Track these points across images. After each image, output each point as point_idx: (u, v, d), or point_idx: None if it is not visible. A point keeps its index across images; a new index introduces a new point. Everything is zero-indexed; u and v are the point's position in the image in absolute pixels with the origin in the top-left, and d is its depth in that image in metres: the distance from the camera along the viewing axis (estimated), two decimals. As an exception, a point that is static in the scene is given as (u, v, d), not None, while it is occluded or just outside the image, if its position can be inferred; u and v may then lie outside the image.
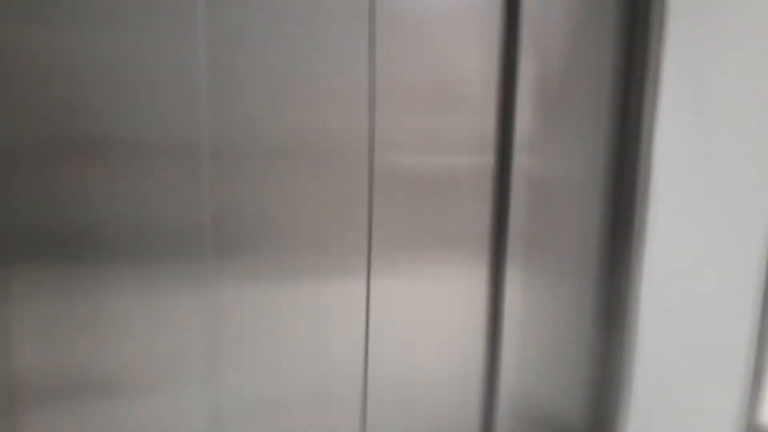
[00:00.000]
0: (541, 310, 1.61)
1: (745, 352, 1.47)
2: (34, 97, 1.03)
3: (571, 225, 1.60)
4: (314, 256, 1.31)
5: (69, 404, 1.13)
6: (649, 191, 1.63)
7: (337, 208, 1.31)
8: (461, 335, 1.54)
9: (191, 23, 1.13)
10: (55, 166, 1.05)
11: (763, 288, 1.43)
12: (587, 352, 1.72)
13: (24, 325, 1.09)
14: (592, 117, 1.59)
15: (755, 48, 1.44)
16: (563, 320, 1.65)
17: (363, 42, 1.30)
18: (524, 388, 1.64)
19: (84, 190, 1.08)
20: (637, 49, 1.56)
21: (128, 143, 1.10)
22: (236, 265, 1.23)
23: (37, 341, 1.10)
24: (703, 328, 1.54)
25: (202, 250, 1.17)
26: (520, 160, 1.49)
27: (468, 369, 1.57)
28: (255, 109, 1.21)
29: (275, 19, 1.21)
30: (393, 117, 1.35)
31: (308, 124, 1.25)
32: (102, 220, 1.10)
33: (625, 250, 1.64)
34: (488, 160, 1.48)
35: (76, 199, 1.08)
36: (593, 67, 1.55)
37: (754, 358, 1.45)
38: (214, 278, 1.20)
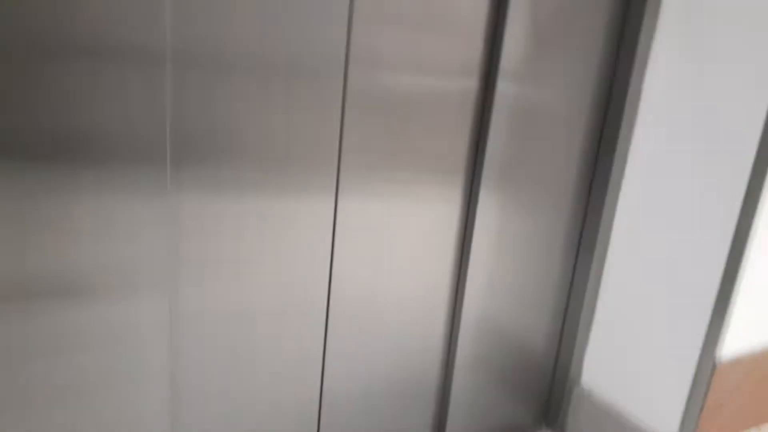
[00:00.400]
0: (512, 238, 1.64)
1: (713, 290, 1.50)
2: None
3: (551, 155, 1.60)
4: (281, 172, 1.31)
5: (18, 309, 1.15)
6: (633, 128, 1.61)
7: (307, 123, 1.30)
8: (429, 258, 1.57)
9: None
10: (9, 66, 1.04)
11: (735, 229, 1.44)
12: (554, 281, 1.76)
13: None
14: (583, 49, 1.55)
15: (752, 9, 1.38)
16: (534, 249, 1.69)
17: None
18: (489, 314, 1.70)
19: (40, 92, 1.06)
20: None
21: (86, 43, 1.07)
22: (196, 175, 1.23)
23: None
24: (672, 265, 1.57)
25: (161, 157, 1.17)
26: (504, 86, 1.46)
27: (434, 292, 1.62)
28: (223, 13, 1.17)
29: None
30: (372, 33, 1.31)
31: (281, 34, 1.22)
32: (59, 122, 1.09)
33: (603, 184, 1.64)
34: (471, 84, 1.46)
35: (32, 101, 1.06)
36: (588, 4, 1.50)
37: (719, 295, 1.49)
38: (174, 187, 1.21)
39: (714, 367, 1.51)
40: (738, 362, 1.58)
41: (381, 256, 1.51)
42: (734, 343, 1.54)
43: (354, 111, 1.34)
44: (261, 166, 1.29)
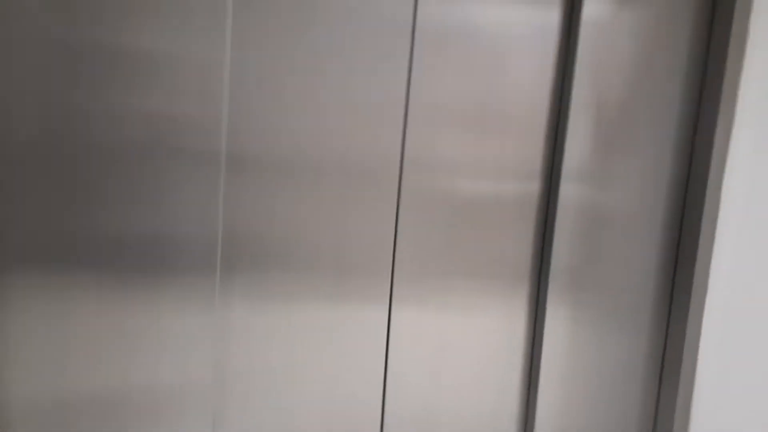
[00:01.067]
0: (585, 355, 1.46)
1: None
2: (41, 92, 0.99)
3: (624, 262, 1.45)
4: (332, 279, 1.22)
5: (61, 426, 1.07)
6: (714, 232, 1.46)
7: (360, 228, 1.22)
8: (493, 377, 1.40)
9: (218, 21, 1.07)
10: (60, 168, 1.00)
11: None
12: (636, 406, 1.54)
13: (20, 339, 1.04)
14: (655, 147, 1.44)
15: None
16: (610, 368, 1.49)
17: (403, 56, 1.22)
18: (563, 441, 1.48)
19: (92, 195, 1.02)
20: (710, 81, 1.42)
21: (142, 146, 1.04)
22: (247, 283, 1.16)
23: (33, 356, 1.04)
24: (772, 390, 1.36)
25: (212, 265, 1.10)
26: (567, 188, 1.36)
27: (499, 416, 1.43)
28: (279, 116, 1.14)
29: (307, 20, 1.14)
30: (428, 136, 1.26)
31: (336, 137, 1.18)
32: (107, 228, 1.04)
33: (685, 295, 1.47)
34: (533, 187, 1.36)
35: (83, 205, 1.02)
36: (658, 97, 1.42)
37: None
38: (223, 296, 1.12)
39: None
40: None
41: (438, 375, 1.36)
42: None
43: (409, 215, 1.26)
44: (311, 273, 1.20)
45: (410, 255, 1.28)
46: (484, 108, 1.29)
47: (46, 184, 1.01)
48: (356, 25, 1.19)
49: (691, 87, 1.43)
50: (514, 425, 1.46)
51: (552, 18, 1.33)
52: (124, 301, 1.08)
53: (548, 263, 1.38)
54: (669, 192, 1.47)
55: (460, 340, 1.36)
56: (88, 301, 1.06)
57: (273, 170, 1.14)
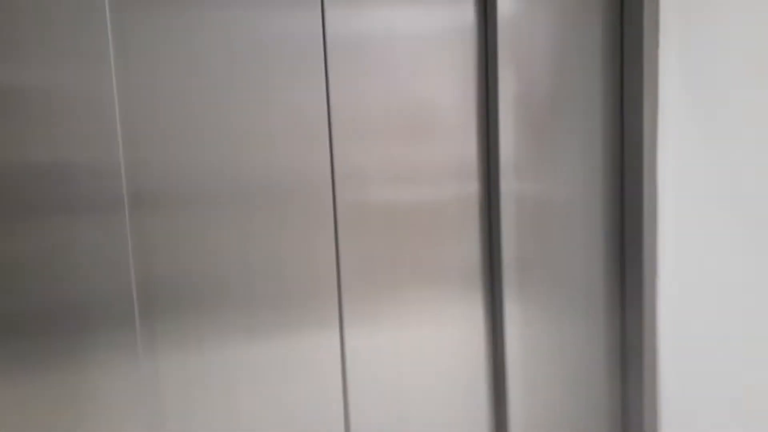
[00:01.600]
0: (547, 349, 1.43)
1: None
2: None
3: (572, 252, 1.44)
4: (271, 311, 1.15)
5: None
6: (656, 210, 1.47)
7: (296, 253, 1.16)
8: (459, 384, 1.36)
9: (100, 49, 1.00)
10: None
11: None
12: (604, 393, 1.52)
13: None
14: (586, 134, 1.44)
15: (757, 46, 1.31)
16: (573, 359, 1.47)
17: (317, 68, 1.17)
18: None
19: None
20: (629, 64, 1.43)
21: (35, 200, 0.96)
22: (170, 330, 1.08)
23: None
24: (736, 367, 1.35)
25: (129, 317, 1.02)
26: (507, 184, 1.34)
27: (470, 423, 1.39)
28: (187, 146, 1.07)
29: (206, 41, 1.09)
30: (357, 149, 1.21)
31: (256, 160, 1.12)
32: (12, 295, 0.96)
33: (636, 278, 1.47)
34: (472, 187, 1.34)
35: None
36: (583, 81, 1.42)
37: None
38: (146, 347, 1.05)
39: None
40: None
41: (401, 390, 1.30)
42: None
43: (348, 231, 1.21)
44: (247, 307, 1.13)
45: (356, 272, 1.22)
46: (411, 112, 1.26)
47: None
48: (263, 41, 1.13)
49: (613, 73, 1.44)
50: (486, 430, 1.42)
51: (467, 17, 1.31)
52: (48, 369, 1.00)
53: (499, 261, 1.35)
54: (605, 179, 1.47)
55: (420, 353, 1.31)
56: (11, 374, 0.97)
57: (186, 204, 1.08)
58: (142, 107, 1.05)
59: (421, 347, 1.30)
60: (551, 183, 1.39)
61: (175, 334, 1.09)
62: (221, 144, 1.10)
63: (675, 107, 1.43)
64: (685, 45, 1.38)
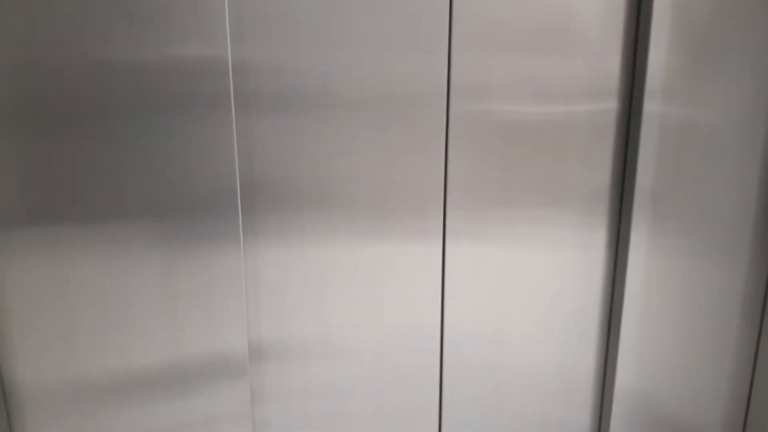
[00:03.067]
0: (675, 289, 1.31)
1: None
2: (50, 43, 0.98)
3: (721, 188, 1.29)
4: (373, 217, 1.15)
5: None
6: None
7: (403, 164, 1.14)
8: (566, 319, 1.29)
9: None
10: (76, 124, 1.01)
11: None
12: (733, 350, 1.38)
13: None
14: (753, 58, 1.27)
15: None
16: (704, 304, 1.34)
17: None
18: (651, 391, 1.35)
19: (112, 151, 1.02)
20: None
21: (141, 97, 1.01)
22: (271, 227, 1.11)
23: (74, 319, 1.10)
24: None
25: (232, 213, 1.06)
26: (652, 107, 1.22)
27: (576, 360, 1.32)
28: (299, 47, 1.06)
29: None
30: (477, 59, 1.14)
31: (367, 66, 1.09)
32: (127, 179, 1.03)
33: (793, 225, 1.29)
34: (609, 106, 1.23)
35: (102, 162, 1.03)
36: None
37: None
38: (246, 244, 1.10)
39: None
40: None
41: (502, 315, 1.27)
42: None
43: (460, 144, 1.16)
44: (348, 211, 1.14)
45: (465, 187, 1.18)
46: (545, 22, 1.16)
47: (66, 139, 1.01)
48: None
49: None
50: (590, 377, 1.34)
51: None
52: (153, 261, 1.07)
53: (632, 187, 1.24)
54: (772, 110, 1.29)
55: (527, 278, 1.26)
56: (129, 257, 1.06)
57: (294, 106, 1.08)
58: (253, 3, 1.04)
59: (530, 269, 1.25)
60: (703, 109, 1.24)
61: (275, 232, 1.12)
62: (333, 46, 1.08)
63: None
64: None
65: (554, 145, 1.21)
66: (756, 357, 1.40)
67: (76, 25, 0.97)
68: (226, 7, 0.99)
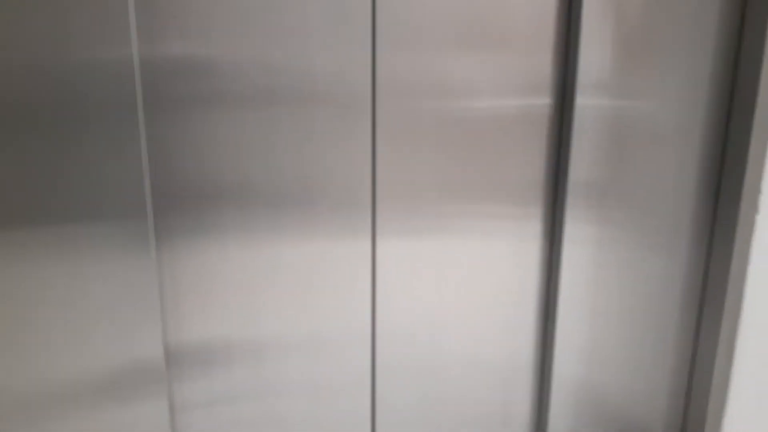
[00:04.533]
0: (612, 279, 1.33)
1: None
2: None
3: (657, 181, 1.30)
4: (298, 213, 1.16)
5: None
6: (766, 149, 1.27)
7: (328, 159, 1.15)
8: (503, 312, 1.32)
9: None
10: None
11: None
12: (672, 340, 1.39)
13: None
14: (689, 45, 1.26)
15: None
16: (640, 293, 1.35)
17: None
18: (590, 379, 1.36)
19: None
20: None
21: (43, 99, 0.97)
22: (187, 226, 1.11)
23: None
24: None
25: (142, 213, 1.05)
26: (585, 101, 1.23)
27: (515, 352, 1.34)
28: (217, 40, 1.04)
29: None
30: (406, 53, 1.15)
31: (288, 58, 1.08)
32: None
33: (731, 215, 1.29)
34: (541, 101, 1.25)
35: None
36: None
37: None
38: (158, 244, 1.10)
39: None
40: None
41: (436, 312, 1.29)
42: None
43: (388, 141, 1.18)
44: (272, 207, 1.14)
45: (394, 181, 1.20)
46: (475, 16, 1.18)
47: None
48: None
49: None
50: (529, 369, 1.36)
51: None
52: (55, 263, 1.04)
53: (565, 181, 1.26)
54: (710, 99, 1.29)
55: (463, 271, 1.28)
56: (35, 262, 1.03)
57: (215, 103, 1.07)
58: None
59: (466, 262, 1.27)
60: (638, 101, 1.25)
61: (194, 231, 1.11)
62: (251, 37, 1.05)
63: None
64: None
65: (488, 139, 1.23)
66: (695, 346, 1.40)
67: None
68: (131, 3, 0.96)
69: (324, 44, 1.09)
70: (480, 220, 1.26)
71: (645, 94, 1.25)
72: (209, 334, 1.17)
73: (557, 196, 1.29)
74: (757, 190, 1.23)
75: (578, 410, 1.38)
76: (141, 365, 1.11)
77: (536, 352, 1.36)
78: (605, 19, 1.21)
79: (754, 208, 1.24)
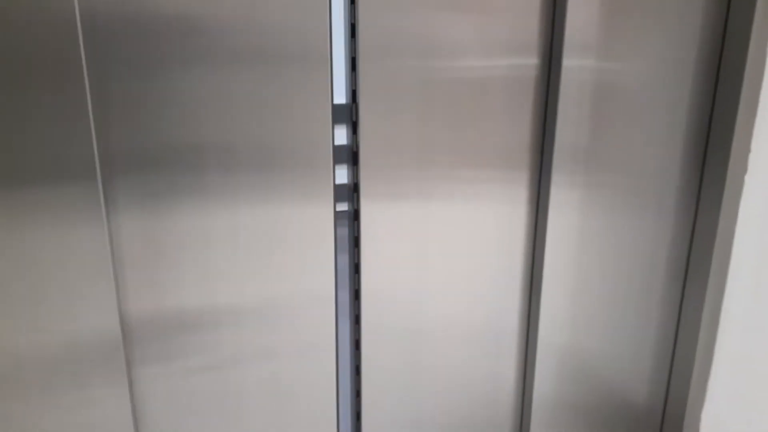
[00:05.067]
0: (597, 247, 1.31)
1: None
2: None
3: (643, 144, 1.28)
4: (262, 177, 1.11)
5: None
6: (757, 104, 1.25)
7: (291, 121, 1.09)
8: (489, 276, 1.30)
9: None
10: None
11: None
12: (655, 307, 1.38)
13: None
14: (678, 10, 1.24)
15: None
16: (625, 260, 1.34)
17: None
18: (574, 345, 1.36)
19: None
20: None
21: None
22: (137, 191, 1.06)
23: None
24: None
25: (92, 178, 1.00)
26: (572, 62, 1.20)
27: (499, 318, 1.33)
28: None
29: None
30: (388, 12, 1.11)
31: (246, 16, 1.02)
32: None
33: (717, 179, 1.28)
34: (527, 62, 1.22)
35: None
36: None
37: None
38: (108, 209, 1.04)
39: None
40: None
41: (420, 277, 1.27)
42: None
43: (366, 101, 1.14)
44: (227, 170, 1.09)
45: (376, 146, 1.17)
46: None
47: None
48: None
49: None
50: (515, 333, 1.35)
51: None
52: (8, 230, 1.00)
53: (551, 145, 1.24)
54: (698, 58, 1.26)
55: (446, 239, 1.26)
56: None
57: (165, 61, 1.00)
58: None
59: (449, 227, 1.25)
60: (625, 62, 1.23)
61: (145, 197, 1.06)
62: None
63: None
64: None
65: (472, 101, 1.21)
66: (680, 312, 1.39)
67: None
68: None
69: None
70: (465, 183, 1.24)
71: (632, 55, 1.23)
72: (166, 301, 1.13)
73: (543, 160, 1.27)
74: (746, 149, 1.21)
75: (565, 373, 1.37)
76: (96, 335, 1.08)
77: (522, 318, 1.35)
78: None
79: (743, 167, 1.23)
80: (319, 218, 1.16)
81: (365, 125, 1.16)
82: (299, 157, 1.12)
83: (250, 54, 1.04)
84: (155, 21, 0.99)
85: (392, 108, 1.17)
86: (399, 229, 1.23)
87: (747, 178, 1.22)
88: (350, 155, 1.21)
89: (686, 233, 1.35)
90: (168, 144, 1.05)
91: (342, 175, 1.21)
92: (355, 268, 1.24)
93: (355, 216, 1.22)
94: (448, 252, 1.27)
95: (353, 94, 1.16)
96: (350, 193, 1.23)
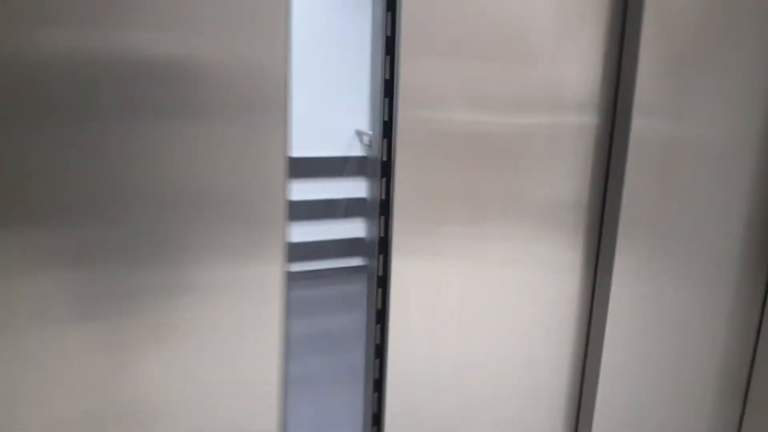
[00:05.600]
0: (659, 315, 1.23)
1: None
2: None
3: (713, 208, 1.21)
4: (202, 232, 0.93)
5: None
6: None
7: (237, 174, 0.92)
8: (541, 346, 1.21)
9: None
10: None
11: None
12: (723, 377, 1.31)
13: None
14: (748, 68, 1.18)
15: None
16: (692, 328, 1.26)
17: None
18: (629, 422, 1.27)
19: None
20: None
21: None
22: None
23: None
24: None
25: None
26: (639, 122, 1.13)
27: (550, 390, 1.24)
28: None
29: None
30: (428, 66, 1.03)
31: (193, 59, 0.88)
32: None
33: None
34: (586, 120, 1.14)
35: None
36: (747, 10, 1.16)
37: None
38: None
39: None
40: None
41: (465, 349, 1.16)
42: None
43: (407, 156, 1.05)
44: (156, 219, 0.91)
45: (415, 199, 1.07)
46: (508, 30, 1.06)
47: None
48: None
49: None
50: (565, 409, 1.25)
51: None
52: None
53: (616, 208, 1.15)
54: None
55: (491, 305, 1.16)
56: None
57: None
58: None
59: (495, 291, 1.16)
60: (692, 123, 1.16)
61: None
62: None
63: None
64: None
65: (524, 158, 1.12)
66: (746, 393, 1.33)
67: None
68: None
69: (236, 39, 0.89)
70: (513, 243, 1.15)
71: (699, 115, 1.16)
72: (84, 408, 0.92)
73: (604, 225, 1.19)
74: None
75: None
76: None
77: (571, 400, 1.26)
78: (663, 37, 1.12)
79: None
80: (265, 281, 0.98)
81: (401, 178, 1.06)
82: (246, 212, 0.95)
83: (195, 107, 0.89)
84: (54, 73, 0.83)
85: (432, 161, 1.07)
86: (435, 290, 1.11)
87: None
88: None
89: (756, 306, 1.28)
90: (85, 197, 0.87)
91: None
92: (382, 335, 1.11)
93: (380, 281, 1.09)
94: (495, 319, 1.17)
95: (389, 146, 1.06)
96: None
